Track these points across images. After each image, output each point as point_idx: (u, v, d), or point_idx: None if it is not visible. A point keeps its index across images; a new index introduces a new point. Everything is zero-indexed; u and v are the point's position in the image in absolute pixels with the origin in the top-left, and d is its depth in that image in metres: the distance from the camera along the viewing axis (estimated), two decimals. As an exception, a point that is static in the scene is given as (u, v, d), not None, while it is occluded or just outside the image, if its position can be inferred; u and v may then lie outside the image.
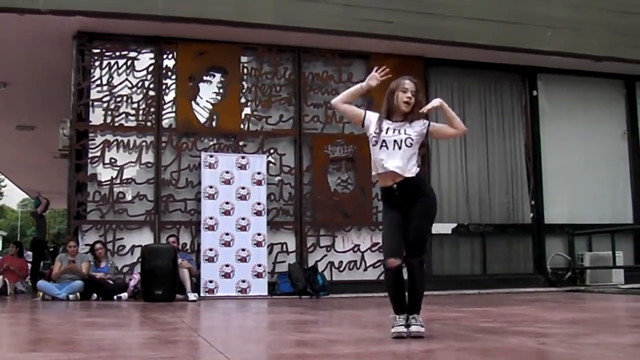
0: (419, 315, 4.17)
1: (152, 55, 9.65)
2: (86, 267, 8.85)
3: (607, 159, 11.51)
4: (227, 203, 9.34)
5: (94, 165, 9.31)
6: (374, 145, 4.28)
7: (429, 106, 4.28)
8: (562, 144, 11.17)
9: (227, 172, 9.40)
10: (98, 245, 8.97)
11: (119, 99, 9.46)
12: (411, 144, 4.23)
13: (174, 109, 9.64)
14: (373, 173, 4.37)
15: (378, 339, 4.22)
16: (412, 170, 4.22)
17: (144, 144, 9.46)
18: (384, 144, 4.23)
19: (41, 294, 8.86)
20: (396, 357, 3.49)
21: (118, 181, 9.29)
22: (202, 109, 9.78)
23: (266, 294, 9.20)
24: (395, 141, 4.21)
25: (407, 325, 4.14)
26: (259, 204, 9.44)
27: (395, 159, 4.19)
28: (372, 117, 4.41)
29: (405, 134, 4.24)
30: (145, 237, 9.17)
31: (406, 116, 4.29)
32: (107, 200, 9.22)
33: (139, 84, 9.56)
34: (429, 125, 4.34)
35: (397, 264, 4.13)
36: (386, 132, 4.25)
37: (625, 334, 4.72)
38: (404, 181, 4.20)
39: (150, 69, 9.62)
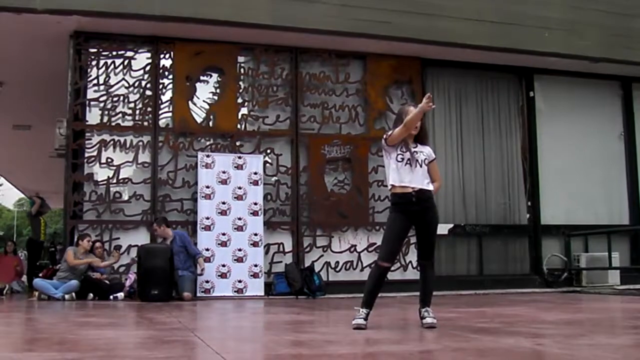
0: (430, 308, 4.85)
1: (148, 54, 9.64)
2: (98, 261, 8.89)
3: (604, 160, 11.53)
4: (223, 203, 9.33)
5: (91, 165, 9.29)
6: (399, 161, 4.84)
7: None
8: (559, 145, 11.20)
9: (223, 172, 9.40)
10: (97, 244, 8.98)
11: (115, 99, 9.45)
12: (427, 163, 4.93)
13: (170, 109, 9.63)
14: (391, 183, 4.90)
15: (375, 339, 4.23)
16: (429, 185, 4.90)
17: (140, 143, 9.45)
18: (408, 162, 4.83)
19: (37, 293, 8.83)
20: (392, 358, 3.49)
21: (114, 181, 9.28)
22: (198, 109, 9.77)
23: (263, 294, 9.19)
24: (417, 160, 4.86)
25: (422, 317, 4.81)
26: (255, 204, 9.44)
27: (418, 175, 4.84)
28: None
29: (423, 155, 4.92)
30: (141, 237, 9.16)
31: (416, 138, 4.95)
32: (103, 200, 9.21)
33: (136, 84, 9.55)
34: (433, 159, 5.03)
35: (389, 266, 4.86)
36: (412, 153, 4.86)
37: (621, 335, 4.73)
38: (421, 191, 4.82)
39: (147, 68, 9.60)
